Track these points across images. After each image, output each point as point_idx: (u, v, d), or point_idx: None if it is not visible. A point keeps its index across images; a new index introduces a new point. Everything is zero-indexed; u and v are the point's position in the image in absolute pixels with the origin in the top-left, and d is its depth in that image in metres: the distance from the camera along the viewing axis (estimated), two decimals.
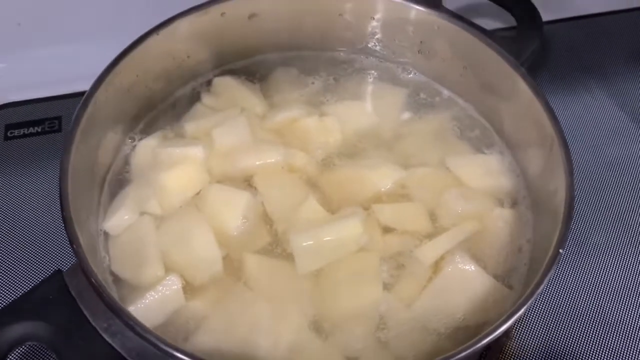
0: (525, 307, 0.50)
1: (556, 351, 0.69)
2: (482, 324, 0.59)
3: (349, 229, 0.63)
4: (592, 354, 0.70)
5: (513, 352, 0.70)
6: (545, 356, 0.69)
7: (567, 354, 0.69)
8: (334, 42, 0.80)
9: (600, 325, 0.72)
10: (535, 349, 0.70)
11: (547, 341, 0.70)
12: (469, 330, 0.59)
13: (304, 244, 0.62)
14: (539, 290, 0.52)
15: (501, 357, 0.69)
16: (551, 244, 0.56)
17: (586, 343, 0.70)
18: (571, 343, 0.70)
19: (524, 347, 0.70)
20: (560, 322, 0.72)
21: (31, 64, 0.94)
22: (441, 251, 0.63)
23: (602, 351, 0.70)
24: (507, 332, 0.68)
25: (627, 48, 1.03)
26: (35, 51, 0.94)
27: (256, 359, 0.57)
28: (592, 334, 0.71)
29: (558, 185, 0.60)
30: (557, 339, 0.70)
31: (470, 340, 0.50)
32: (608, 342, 0.71)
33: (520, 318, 0.51)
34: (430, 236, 0.65)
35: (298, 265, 0.62)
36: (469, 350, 0.49)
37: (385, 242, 0.65)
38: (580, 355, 0.69)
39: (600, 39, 1.04)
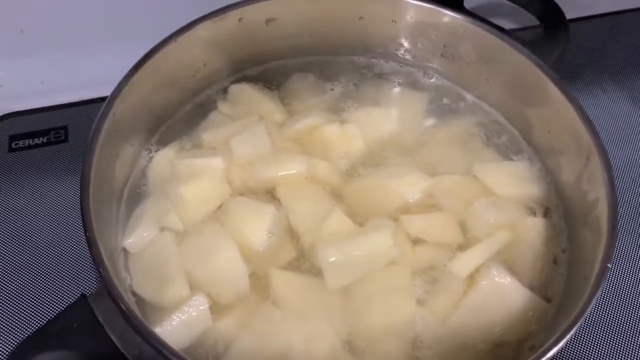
0: (578, 325, 0.48)
1: None
2: (522, 339, 0.58)
3: (379, 242, 0.61)
4: None
5: None
6: None
7: None
8: (353, 46, 0.77)
9: None
10: None
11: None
12: (510, 346, 0.57)
13: (333, 258, 0.60)
14: (589, 309, 0.50)
15: None
16: (594, 256, 0.54)
17: None
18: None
19: None
20: (597, 341, 0.69)
21: (35, 72, 0.90)
22: (476, 263, 0.61)
23: None
24: None
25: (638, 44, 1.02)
26: (39, 58, 0.91)
27: None
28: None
29: (598, 195, 0.58)
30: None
31: None
32: None
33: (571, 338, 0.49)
34: (462, 247, 0.63)
35: (327, 281, 0.59)
36: None
37: (416, 255, 0.63)
38: None
39: (614, 38, 1.03)
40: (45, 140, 0.85)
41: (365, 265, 0.60)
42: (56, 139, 0.85)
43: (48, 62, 0.91)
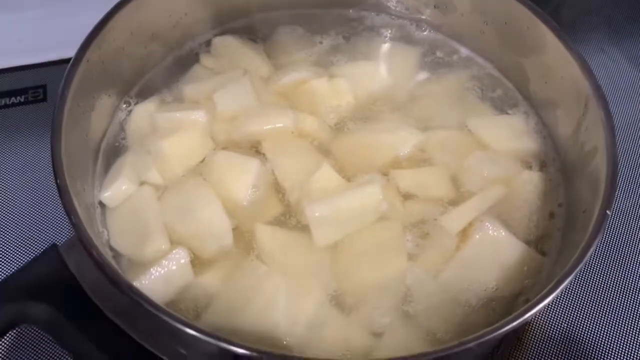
0: (573, 274, 0.46)
1: (581, 336, 0.65)
2: (517, 293, 0.56)
3: (368, 196, 0.58)
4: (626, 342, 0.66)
5: (533, 335, 0.65)
6: (569, 342, 0.65)
7: (595, 340, 0.65)
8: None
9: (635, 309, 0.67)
10: (558, 332, 0.66)
11: (571, 323, 0.66)
12: (504, 301, 0.55)
13: (319, 213, 0.57)
14: (588, 256, 0.47)
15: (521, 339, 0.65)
16: (592, 205, 0.52)
17: (617, 328, 0.66)
18: (600, 325, 0.66)
19: (545, 330, 0.66)
20: (587, 301, 0.67)
21: (12, 30, 0.87)
22: (469, 218, 0.59)
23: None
24: None
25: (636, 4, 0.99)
26: (15, 14, 0.87)
27: (273, 337, 0.53)
28: (626, 318, 0.67)
29: (596, 145, 0.55)
30: (583, 320, 0.66)
31: (514, 313, 0.45)
32: None
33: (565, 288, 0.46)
34: (454, 202, 0.61)
35: (315, 238, 0.57)
36: (513, 324, 0.44)
37: (406, 210, 0.60)
38: (611, 340, 0.66)
39: None
40: (23, 100, 0.82)
41: (353, 221, 0.58)
42: (34, 98, 0.82)
43: (25, 19, 0.87)
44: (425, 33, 0.74)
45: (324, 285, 0.56)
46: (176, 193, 0.60)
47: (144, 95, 0.67)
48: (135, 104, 0.66)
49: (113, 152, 0.63)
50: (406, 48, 0.73)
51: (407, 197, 0.61)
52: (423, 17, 0.73)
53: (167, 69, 0.70)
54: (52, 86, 0.82)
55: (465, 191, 0.62)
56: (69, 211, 0.47)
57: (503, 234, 0.57)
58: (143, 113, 0.65)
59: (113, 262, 0.55)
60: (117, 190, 0.59)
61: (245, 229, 0.58)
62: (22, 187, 0.73)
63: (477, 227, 0.58)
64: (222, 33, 0.72)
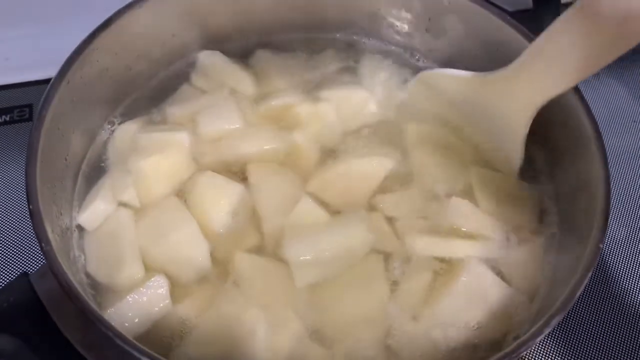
0: (563, 313, 0.44)
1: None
2: (504, 333, 0.53)
3: (353, 238, 0.57)
4: None
5: None
6: None
7: None
8: (334, 23, 0.73)
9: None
10: None
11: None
12: (488, 340, 0.53)
13: (302, 257, 0.55)
14: (578, 294, 0.45)
15: None
16: (585, 239, 0.50)
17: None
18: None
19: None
20: (580, 340, 0.66)
21: None
22: (445, 252, 0.57)
23: None
24: None
25: None
26: (2, 33, 0.86)
27: None
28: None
29: (590, 176, 0.54)
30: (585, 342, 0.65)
31: (502, 351, 0.43)
32: None
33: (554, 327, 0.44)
34: (439, 228, 0.58)
35: (296, 279, 0.55)
36: None
37: (391, 237, 0.58)
38: None
39: None
40: (8, 119, 0.81)
41: (338, 262, 0.55)
42: (20, 117, 0.82)
43: (13, 37, 0.86)
44: (416, 58, 0.73)
45: (304, 317, 0.54)
46: (153, 216, 0.58)
47: (129, 115, 0.66)
48: (119, 123, 0.65)
49: (95, 173, 0.62)
50: (395, 73, 0.72)
51: (391, 222, 0.59)
52: (414, 42, 0.72)
53: (154, 89, 0.69)
54: (38, 106, 0.81)
55: (452, 215, 0.59)
56: (41, 238, 0.46)
57: (490, 276, 0.55)
58: (126, 133, 0.64)
59: (88, 290, 0.53)
60: (94, 212, 0.57)
61: (221, 257, 0.57)
62: (4, 209, 0.72)
63: (464, 268, 0.55)
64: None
